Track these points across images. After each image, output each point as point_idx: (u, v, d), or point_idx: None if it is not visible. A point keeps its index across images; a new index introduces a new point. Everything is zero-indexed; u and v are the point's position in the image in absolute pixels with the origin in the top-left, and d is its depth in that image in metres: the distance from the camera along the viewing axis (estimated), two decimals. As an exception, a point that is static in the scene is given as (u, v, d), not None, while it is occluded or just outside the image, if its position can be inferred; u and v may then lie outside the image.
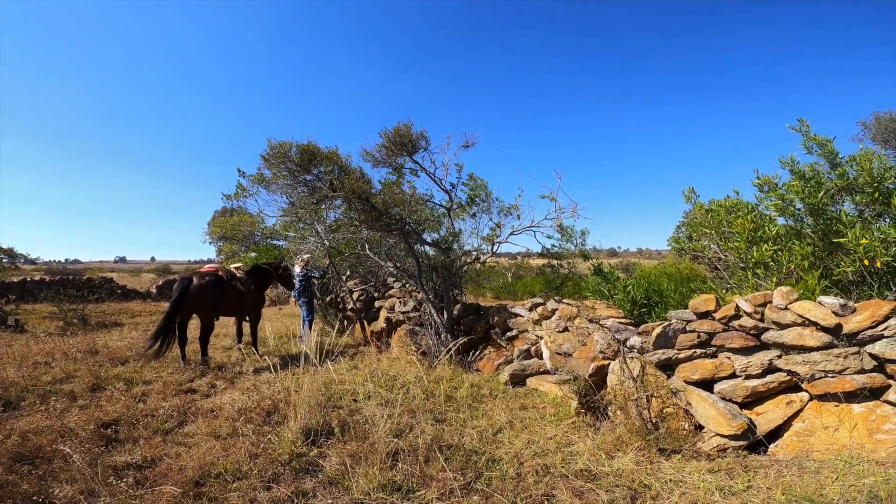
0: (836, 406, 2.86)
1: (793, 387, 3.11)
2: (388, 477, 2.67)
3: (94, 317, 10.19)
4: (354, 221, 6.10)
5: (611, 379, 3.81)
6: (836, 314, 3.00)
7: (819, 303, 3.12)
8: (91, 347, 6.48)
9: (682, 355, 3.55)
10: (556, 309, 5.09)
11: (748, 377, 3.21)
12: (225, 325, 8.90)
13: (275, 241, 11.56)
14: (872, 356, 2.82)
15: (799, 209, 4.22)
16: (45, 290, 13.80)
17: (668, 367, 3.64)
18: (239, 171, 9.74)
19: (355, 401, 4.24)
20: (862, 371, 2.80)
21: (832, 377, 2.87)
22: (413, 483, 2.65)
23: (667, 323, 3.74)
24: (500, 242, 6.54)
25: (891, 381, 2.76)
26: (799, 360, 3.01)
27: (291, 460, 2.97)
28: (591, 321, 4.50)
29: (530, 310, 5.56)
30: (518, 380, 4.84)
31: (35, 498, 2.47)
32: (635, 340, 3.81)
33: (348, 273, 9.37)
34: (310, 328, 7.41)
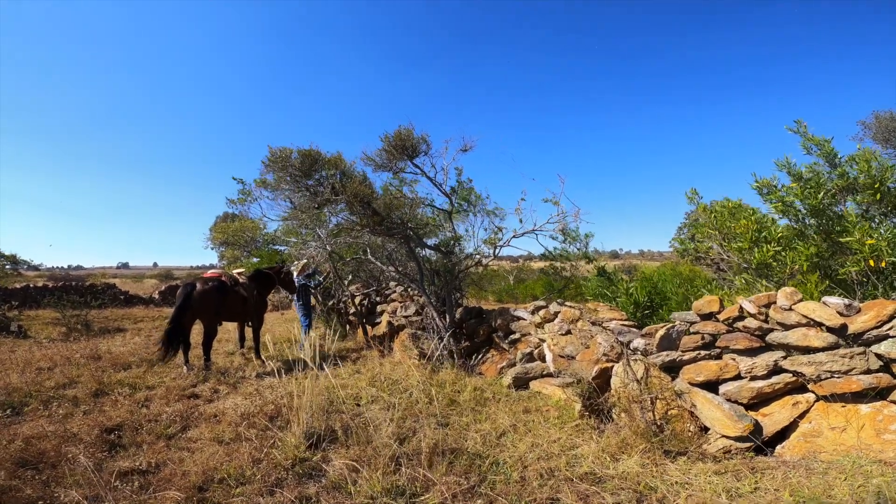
0: (843, 407, 2.84)
1: (799, 388, 3.08)
2: (391, 481, 2.66)
3: (96, 322, 10.20)
4: (356, 226, 6.11)
5: (614, 381, 3.79)
6: (841, 314, 2.98)
7: (824, 303, 3.10)
8: (94, 353, 6.49)
9: (686, 357, 3.53)
10: (559, 312, 5.08)
11: (753, 378, 3.19)
12: (227, 331, 8.90)
13: (277, 247, 11.59)
14: (878, 356, 2.80)
15: (801, 210, 4.21)
16: (48, 297, 13.83)
17: (672, 368, 3.62)
18: (235, 178, 9.87)
19: (358, 405, 4.23)
20: (868, 371, 2.78)
21: (838, 378, 2.85)
22: (416, 487, 2.64)
23: (670, 325, 3.73)
24: (501, 245, 6.54)
25: (897, 381, 2.74)
26: (804, 360, 2.99)
27: (294, 465, 2.96)
28: (593, 324, 4.48)
29: (533, 313, 5.54)
30: (521, 383, 4.82)
31: (39, 503, 2.47)
32: (639, 343, 3.79)
33: (350, 278, 9.38)
34: (307, 333, 7.41)
